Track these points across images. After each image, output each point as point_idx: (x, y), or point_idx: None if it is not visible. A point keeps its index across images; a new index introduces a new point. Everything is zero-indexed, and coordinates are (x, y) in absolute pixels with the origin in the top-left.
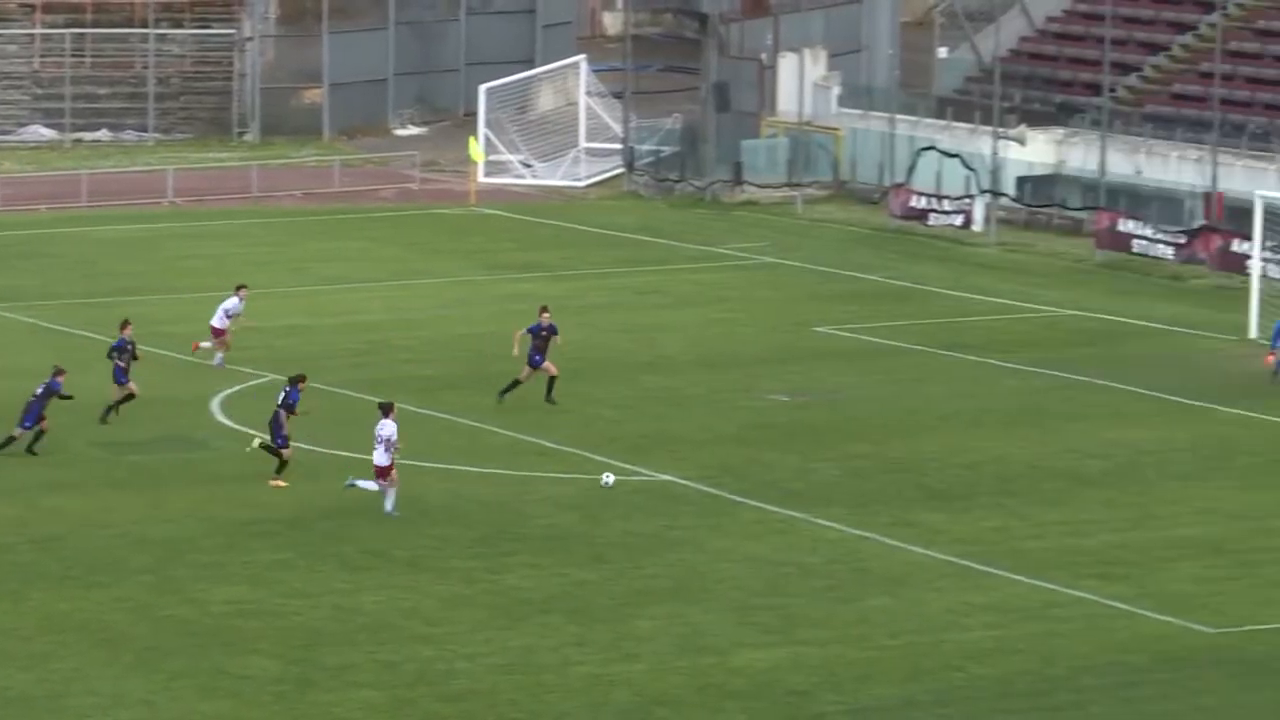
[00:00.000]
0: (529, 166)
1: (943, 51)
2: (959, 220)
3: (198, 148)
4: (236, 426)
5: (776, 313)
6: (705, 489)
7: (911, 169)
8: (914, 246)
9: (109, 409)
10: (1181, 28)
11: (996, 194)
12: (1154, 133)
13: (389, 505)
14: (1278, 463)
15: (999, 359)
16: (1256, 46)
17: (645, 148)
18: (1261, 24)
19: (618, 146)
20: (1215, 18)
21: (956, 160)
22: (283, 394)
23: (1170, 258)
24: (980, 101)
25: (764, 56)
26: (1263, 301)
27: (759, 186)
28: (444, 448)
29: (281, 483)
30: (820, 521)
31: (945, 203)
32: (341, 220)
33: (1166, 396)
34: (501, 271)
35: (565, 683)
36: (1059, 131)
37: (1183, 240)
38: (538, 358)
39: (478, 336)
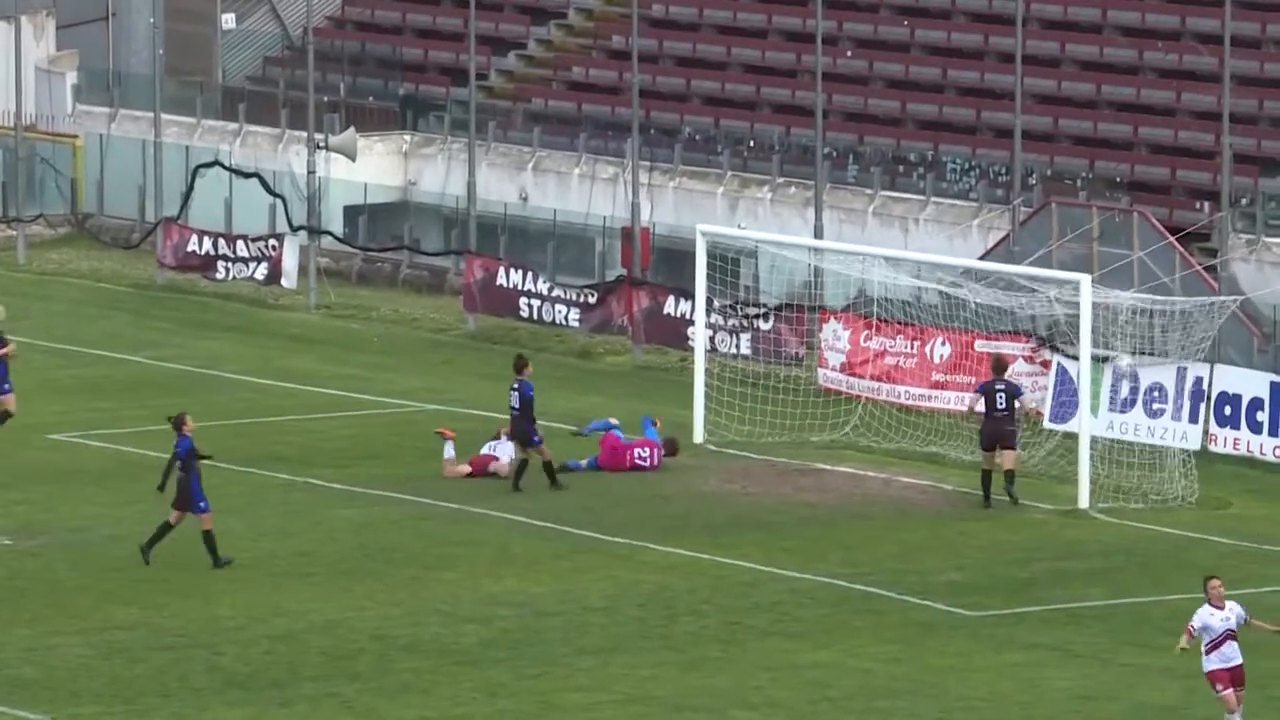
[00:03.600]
0: None
1: (229, 20)
2: (261, 272)
3: None
4: None
5: None
6: None
7: (188, 196)
8: (196, 311)
9: None
10: None
11: (316, 231)
12: (545, 139)
13: None
14: (736, 625)
15: (328, 477)
16: (691, 13)
17: None
18: None
19: None
20: None
21: (255, 182)
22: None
23: (575, 324)
24: (288, 95)
25: None
26: (711, 389)
27: None
28: None
29: None
30: None
31: (241, 245)
32: None
33: (574, 530)
34: None
35: None
36: (405, 138)
37: (593, 299)
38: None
39: None
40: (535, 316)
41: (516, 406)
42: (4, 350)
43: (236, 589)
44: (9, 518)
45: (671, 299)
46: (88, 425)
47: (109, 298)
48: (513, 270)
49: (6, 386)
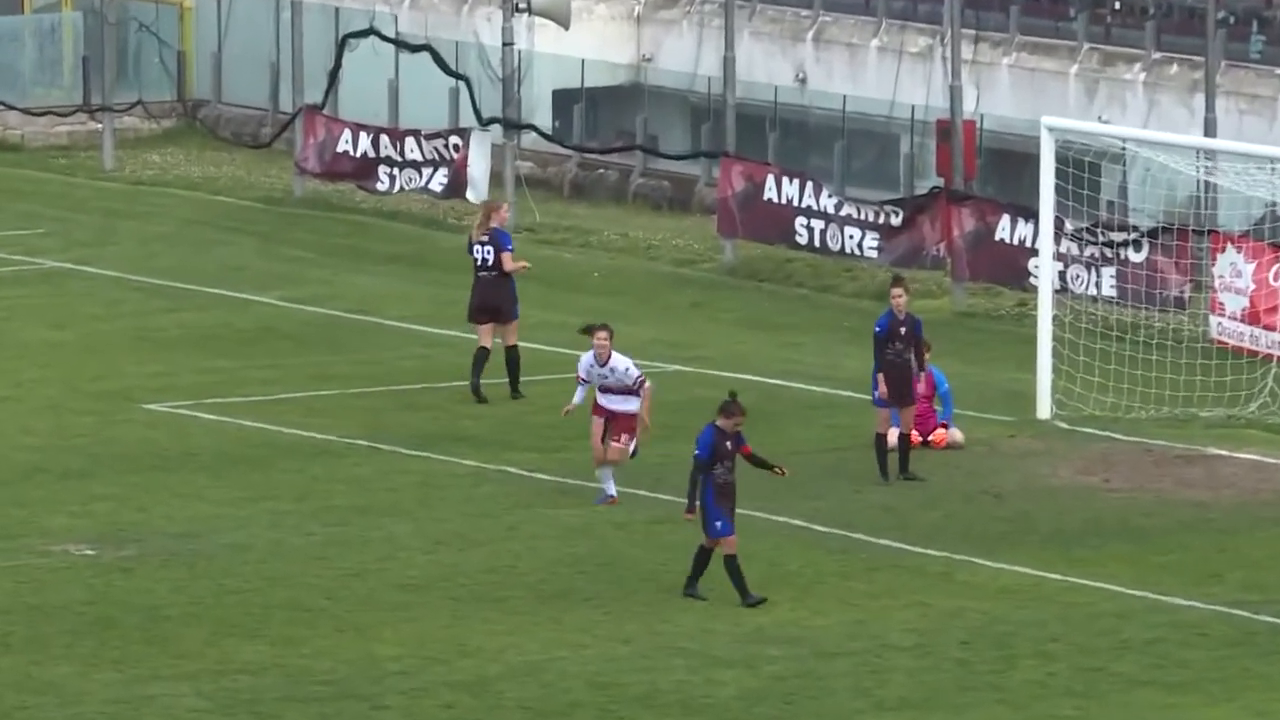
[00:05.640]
0: None
1: None
2: (439, 181)
3: None
4: None
5: (68, 372)
6: None
7: (334, 76)
8: (348, 235)
9: None
10: None
11: (514, 126)
12: (830, 2)
13: None
14: (1096, 672)
15: (529, 464)
16: None
17: None
18: None
19: None
20: None
21: (428, 58)
22: None
23: (872, 254)
24: None
25: None
26: (1062, 344)
27: (27, 112)
28: None
29: None
30: None
31: (410, 145)
32: None
33: (871, 539)
34: None
35: None
36: (637, 1)
37: (897, 220)
38: None
39: None
40: (817, 244)
41: None
42: (516, 266)
43: (403, 620)
44: (90, 518)
45: (1006, 220)
46: (198, 392)
47: (229, 215)
48: (786, 180)
49: (516, 309)
